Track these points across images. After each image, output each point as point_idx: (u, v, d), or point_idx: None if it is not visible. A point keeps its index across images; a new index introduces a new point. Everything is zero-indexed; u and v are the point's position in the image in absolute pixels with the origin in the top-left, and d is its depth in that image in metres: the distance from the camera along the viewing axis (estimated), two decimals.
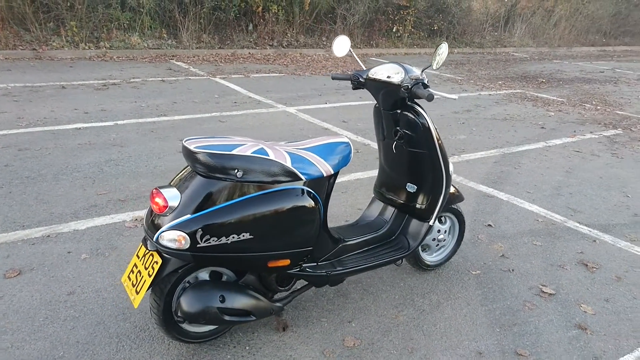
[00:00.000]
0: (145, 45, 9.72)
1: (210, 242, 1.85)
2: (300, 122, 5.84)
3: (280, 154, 1.99)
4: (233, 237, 1.88)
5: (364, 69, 2.55)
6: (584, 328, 2.44)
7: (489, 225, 3.46)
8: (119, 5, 9.61)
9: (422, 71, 2.35)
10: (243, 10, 11.06)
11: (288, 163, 1.98)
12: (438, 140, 2.38)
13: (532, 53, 14.55)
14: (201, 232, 1.83)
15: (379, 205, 2.70)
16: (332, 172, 2.14)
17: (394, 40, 12.92)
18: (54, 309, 2.34)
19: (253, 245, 1.93)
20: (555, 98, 8.23)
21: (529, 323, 2.45)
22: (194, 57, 9.83)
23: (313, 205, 2.04)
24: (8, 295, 2.42)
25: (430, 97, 2.13)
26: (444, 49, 2.26)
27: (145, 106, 6.06)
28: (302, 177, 2.01)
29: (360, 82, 2.47)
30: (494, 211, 3.69)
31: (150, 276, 1.87)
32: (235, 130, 5.35)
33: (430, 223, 2.49)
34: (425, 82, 2.27)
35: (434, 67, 2.28)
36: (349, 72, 2.59)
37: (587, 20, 16.58)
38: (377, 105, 2.55)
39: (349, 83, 8.23)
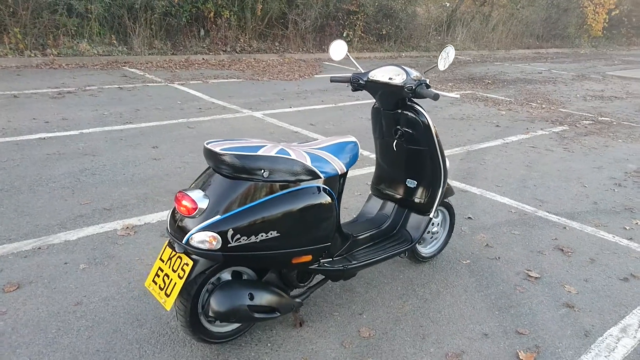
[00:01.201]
0: (95, 52, 9.44)
1: (240, 242, 1.90)
2: (269, 126, 5.89)
3: (300, 154, 2.07)
4: (262, 236, 1.94)
5: (362, 71, 2.66)
6: (571, 306, 2.65)
7: (469, 217, 3.66)
8: (65, 11, 9.27)
9: (424, 72, 2.49)
10: (194, 15, 10.95)
11: (308, 162, 2.06)
12: (437, 137, 2.53)
13: (474, 56, 15.25)
14: (232, 231, 1.88)
15: (377, 202, 2.82)
16: (345, 170, 2.24)
17: None
18: (64, 320, 2.30)
19: (280, 242, 1.99)
20: (503, 98, 8.70)
21: (523, 305, 2.64)
22: (147, 63, 9.64)
23: (330, 202, 2.12)
24: (12, 309, 2.35)
25: (436, 97, 2.27)
26: (451, 51, 2.41)
27: (108, 114, 5.92)
28: (321, 175, 2.10)
29: (360, 84, 2.58)
30: (470, 205, 3.91)
31: (181, 278, 1.90)
32: (207, 136, 5.33)
33: (431, 216, 2.64)
34: (427, 82, 2.41)
35: (441, 69, 2.43)
36: (348, 75, 2.70)
37: (521, 24, 17.56)
38: (375, 106, 2.66)
39: (309, 87, 8.35)
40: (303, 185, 2.05)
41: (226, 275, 2.12)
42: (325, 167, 2.13)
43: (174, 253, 1.98)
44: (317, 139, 2.35)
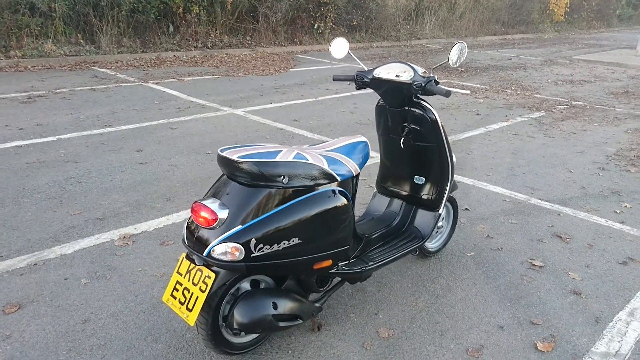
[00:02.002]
0: (62, 52, 9.11)
1: (263, 251, 1.86)
2: (252, 123, 5.80)
3: (316, 158, 2.03)
4: (284, 243, 1.90)
5: (365, 69, 2.63)
6: (578, 293, 2.70)
7: (466, 209, 3.69)
8: (27, 11, 8.90)
9: (432, 69, 2.48)
10: (163, 11, 10.68)
11: (325, 165, 2.02)
12: (444, 132, 2.52)
13: (444, 44, 15.38)
14: (255, 241, 1.83)
15: (384, 200, 2.81)
16: (359, 171, 2.21)
17: (317, 37, 13.10)
18: (73, 339, 2.21)
19: (302, 249, 1.95)
20: (479, 86, 8.81)
21: (532, 294, 2.68)
22: (117, 62, 9.36)
23: (347, 203, 2.09)
24: (17, 332, 2.24)
25: (448, 93, 2.26)
26: (464, 48, 2.39)
27: (84, 117, 5.72)
28: (338, 178, 2.07)
29: (364, 82, 2.54)
30: (465, 196, 3.94)
31: (203, 292, 1.83)
32: (190, 136, 5.21)
33: (440, 212, 2.64)
34: (436, 79, 2.39)
35: (452, 65, 2.41)
36: (351, 74, 2.66)
37: (487, 11, 17.80)
38: (379, 103, 2.64)
39: (286, 81, 8.27)
40: (321, 189, 2.01)
41: (245, 285, 2.07)
42: (340, 169, 2.10)
43: (192, 266, 1.91)
44: (327, 140, 2.31)
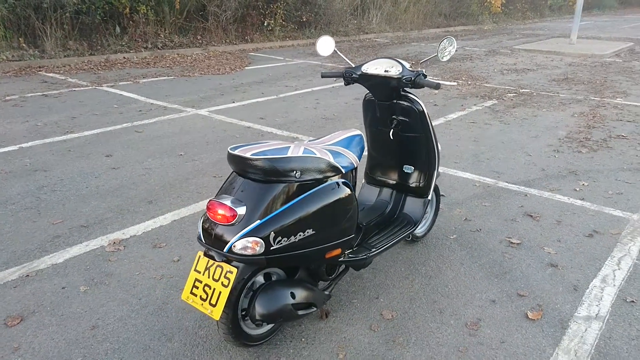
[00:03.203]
0: (4, 57, 8.70)
1: (281, 243, 1.94)
2: (219, 123, 5.80)
3: (322, 152, 2.12)
4: (300, 235, 1.98)
5: (353, 65, 2.74)
6: (555, 265, 2.94)
7: (442, 195, 3.88)
8: None
9: (421, 63, 2.62)
10: (109, 12, 10.38)
11: (331, 159, 2.12)
12: (430, 123, 2.68)
13: (391, 38, 15.74)
14: (273, 234, 1.91)
15: (373, 190, 2.93)
16: (359, 162, 2.32)
17: (267, 34, 13.10)
18: (86, 345, 2.21)
19: (315, 239, 2.05)
20: (431, 77, 9.12)
21: (514, 270, 2.89)
22: (64, 66, 9.04)
23: (351, 194, 2.20)
24: (24, 343, 2.21)
25: (438, 86, 2.41)
26: (453, 42, 2.54)
27: (42, 125, 5.54)
28: (343, 170, 2.17)
29: (353, 78, 2.65)
30: (438, 183, 4.13)
31: (226, 286, 1.89)
32: (158, 139, 5.16)
33: (429, 198, 2.80)
34: (424, 72, 2.53)
35: (442, 60, 2.56)
36: (340, 69, 2.76)
37: (430, 4, 18.34)
38: (367, 98, 2.76)
39: (244, 80, 8.26)
40: (328, 181, 2.11)
41: (260, 279, 2.13)
42: (344, 162, 2.20)
43: (212, 262, 1.96)
44: (336, 134, 2.40)
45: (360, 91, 7.70)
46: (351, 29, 15.37)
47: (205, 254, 2.00)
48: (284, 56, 11.27)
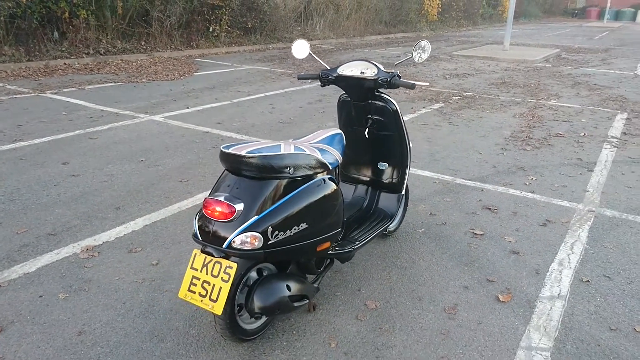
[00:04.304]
0: None
1: (278, 237, 2.01)
2: (176, 129, 5.75)
3: (311, 149, 2.21)
4: (295, 229, 2.06)
5: (328, 68, 2.84)
6: (517, 252, 3.17)
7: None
8: None
9: (395, 65, 2.76)
10: (46, 17, 9.97)
11: (320, 156, 2.22)
12: (403, 121, 2.83)
13: (335, 44, 16.04)
14: (271, 229, 1.98)
15: (348, 187, 3.05)
16: (341, 159, 2.43)
17: (213, 40, 13.01)
18: (75, 351, 2.18)
19: (309, 233, 2.13)
20: None
21: (481, 258, 3.09)
22: (0, 73, 8.59)
23: (337, 189, 2.31)
24: (9, 353, 2.15)
25: (413, 86, 2.56)
26: (427, 45, 2.69)
27: None
28: (330, 166, 2.27)
29: (329, 80, 2.76)
30: None
31: (226, 282, 1.94)
32: (115, 145, 5.06)
33: (402, 193, 2.94)
34: (399, 74, 2.68)
35: (417, 61, 2.71)
36: (316, 72, 2.86)
37: (371, 12, 18.84)
38: (341, 98, 2.87)
39: (194, 86, 8.19)
40: (317, 177, 2.20)
41: (254, 275, 2.19)
42: (329, 159, 2.30)
43: (209, 259, 2.00)
44: (318, 132, 2.49)
45: (311, 96, 7.84)
46: (296, 36, 15.52)
47: (202, 251, 2.03)
48: (232, 62, 11.24)
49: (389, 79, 2.61)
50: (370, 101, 2.77)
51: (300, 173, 2.11)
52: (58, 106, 6.58)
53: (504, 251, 3.18)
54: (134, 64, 10.28)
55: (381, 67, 2.69)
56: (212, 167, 4.50)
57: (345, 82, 2.75)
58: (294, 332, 2.35)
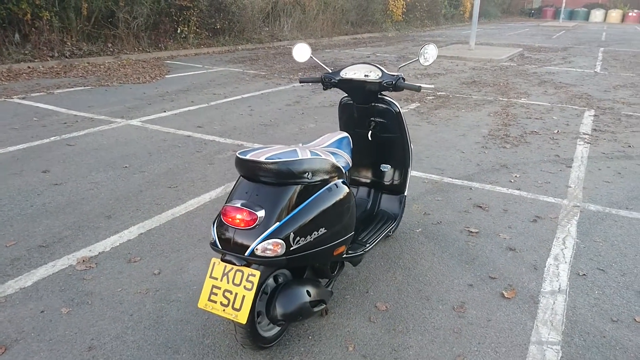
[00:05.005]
0: None
1: (299, 243, 1.99)
2: (156, 133, 5.63)
3: (325, 154, 2.21)
4: (315, 234, 2.05)
5: (329, 71, 2.84)
6: (513, 249, 3.25)
7: None
8: None
9: (399, 68, 2.78)
10: (7, 18, 9.59)
11: (334, 160, 2.22)
12: (405, 123, 2.85)
13: None
14: (293, 235, 1.96)
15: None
16: (351, 162, 2.43)
17: (181, 42, 12.80)
18: None
19: (327, 237, 2.12)
20: None
21: (481, 256, 3.15)
22: None
23: (350, 192, 2.31)
24: None
25: (419, 88, 2.58)
26: (433, 49, 2.71)
27: None
28: (343, 170, 2.27)
29: (332, 83, 2.76)
30: None
31: (249, 290, 1.91)
32: (95, 151, 4.91)
33: (405, 194, 2.97)
34: (403, 76, 2.70)
35: (423, 64, 2.73)
36: (317, 75, 2.86)
37: (338, 12, 18.92)
38: (343, 102, 2.87)
39: (168, 88, 8.04)
40: (333, 181, 2.20)
41: (271, 282, 2.17)
42: (342, 162, 2.30)
43: (230, 267, 1.97)
44: (326, 136, 2.49)
45: (288, 98, 7.82)
46: (264, 37, 15.45)
47: (222, 260, 2.00)
48: (203, 64, 11.09)
49: (394, 82, 2.63)
50: (373, 104, 2.78)
51: (318, 178, 2.10)
52: (28, 112, 6.34)
53: (500, 248, 3.25)
54: (101, 66, 10.01)
55: (384, 69, 2.71)
56: (200, 172, 4.43)
57: (348, 85, 2.76)
58: (310, 337, 2.34)
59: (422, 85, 2.73)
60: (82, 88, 7.98)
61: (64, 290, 2.64)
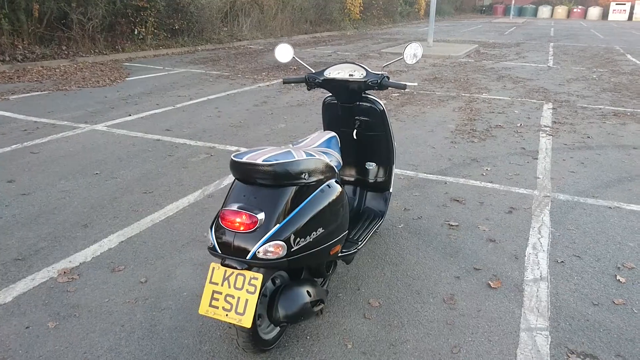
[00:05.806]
0: None
1: (300, 244, 2.00)
2: (124, 138, 5.49)
3: (318, 154, 2.22)
4: (313, 234, 2.06)
5: (313, 71, 2.85)
6: (493, 240, 3.34)
7: None
8: None
9: (384, 67, 2.81)
10: None
11: (327, 160, 2.23)
12: (389, 122, 2.89)
13: (265, 44, 15.94)
14: (293, 236, 1.96)
15: None
16: (342, 161, 2.45)
17: (139, 43, 12.50)
18: None
19: (325, 237, 2.13)
20: None
21: (463, 248, 3.23)
22: None
23: (343, 192, 2.33)
24: None
25: (405, 86, 2.62)
26: (418, 48, 2.75)
27: None
28: (336, 169, 2.29)
29: (316, 83, 2.77)
30: None
31: (252, 293, 1.90)
32: (61, 158, 4.75)
33: (391, 190, 3.01)
34: (387, 75, 2.73)
35: (409, 63, 2.76)
36: (301, 75, 2.85)
37: (296, 11, 18.91)
38: (327, 101, 2.89)
39: (130, 91, 7.85)
40: (327, 181, 2.21)
41: (270, 285, 2.16)
42: (334, 162, 2.32)
43: (230, 272, 1.95)
44: (315, 136, 2.49)
45: (254, 98, 7.76)
46: (224, 37, 15.28)
47: (222, 264, 1.98)
48: (163, 65, 10.87)
49: (379, 80, 2.66)
50: (357, 103, 2.81)
51: (314, 178, 2.11)
52: None
53: (481, 240, 3.34)
54: (57, 70, 9.66)
55: (368, 69, 2.74)
56: (175, 177, 4.35)
57: (332, 84, 2.77)
58: (308, 337, 2.35)
59: (406, 83, 2.77)
60: (39, 93, 7.68)
61: (48, 304, 2.54)
